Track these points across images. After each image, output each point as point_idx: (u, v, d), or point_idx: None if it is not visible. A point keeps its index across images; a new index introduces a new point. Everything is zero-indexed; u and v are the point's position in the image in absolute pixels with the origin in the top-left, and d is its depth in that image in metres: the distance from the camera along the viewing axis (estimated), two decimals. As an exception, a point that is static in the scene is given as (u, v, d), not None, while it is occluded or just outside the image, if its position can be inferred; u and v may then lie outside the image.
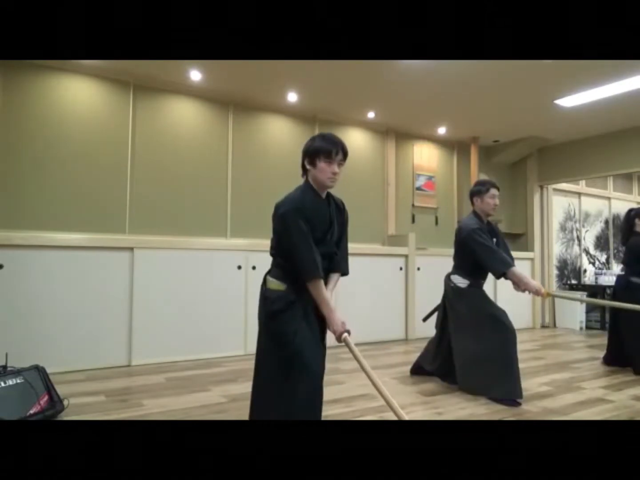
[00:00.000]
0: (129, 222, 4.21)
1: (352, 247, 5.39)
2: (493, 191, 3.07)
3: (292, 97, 4.78)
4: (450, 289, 3.18)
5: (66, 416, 2.43)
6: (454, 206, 6.38)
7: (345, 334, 1.88)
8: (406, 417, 1.67)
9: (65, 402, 2.47)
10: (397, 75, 4.21)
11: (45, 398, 2.38)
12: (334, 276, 2.08)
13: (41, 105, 3.91)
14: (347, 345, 1.89)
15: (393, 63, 3.95)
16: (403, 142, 5.95)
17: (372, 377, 1.74)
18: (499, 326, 2.93)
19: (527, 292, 2.94)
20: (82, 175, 4.04)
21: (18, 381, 2.33)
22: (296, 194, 1.98)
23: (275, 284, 1.98)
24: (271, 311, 1.96)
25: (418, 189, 6.04)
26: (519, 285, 2.92)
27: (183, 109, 4.54)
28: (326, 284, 2.03)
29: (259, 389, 2.03)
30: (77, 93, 4.06)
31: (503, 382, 2.84)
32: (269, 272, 2.05)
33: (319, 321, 2.01)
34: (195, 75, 4.26)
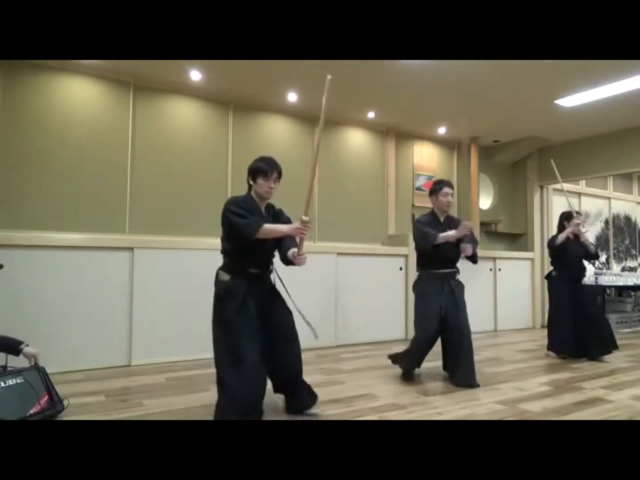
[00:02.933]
0: (129, 222, 4.21)
1: (352, 247, 5.39)
2: (446, 190, 3.31)
3: (292, 97, 4.77)
4: None
5: (66, 416, 2.43)
6: (454, 206, 6.38)
7: (298, 222, 2.28)
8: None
9: (65, 402, 2.47)
10: (397, 75, 4.20)
11: (45, 398, 2.38)
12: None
13: (41, 105, 3.91)
14: (306, 226, 2.28)
15: (393, 63, 3.94)
16: (403, 142, 5.95)
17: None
18: (420, 321, 3.28)
19: (468, 250, 3.21)
20: (82, 175, 4.03)
21: (18, 381, 2.32)
22: (235, 196, 2.50)
23: (222, 275, 2.45)
24: (216, 294, 2.45)
25: (418, 189, 6.04)
26: (463, 249, 3.22)
27: (183, 109, 4.54)
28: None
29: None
30: (77, 93, 4.06)
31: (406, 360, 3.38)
32: (220, 267, 2.50)
33: (260, 307, 2.40)
34: (195, 75, 4.26)
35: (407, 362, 3.37)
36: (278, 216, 2.55)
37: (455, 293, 3.27)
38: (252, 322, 2.33)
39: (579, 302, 4.19)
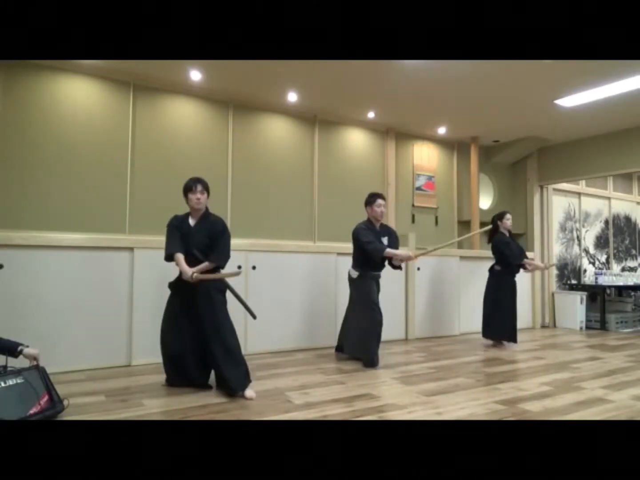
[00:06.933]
0: (129, 222, 4.21)
1: (352, 247, 5.37)
2: (379, 201, 3.81)
3: (292, 97, 4.77)
4: (349, 279, 3.94)
5: (66, 416, 2.43)
6: (454, 206, 6.38)
7: (194, 275, 2.81)
8: None
9: (65, 402, 2.47)
10: (397, 75, 4.20)
11: (45, 398, 2.38)
12: (204, 263, 2.92)
13: (41, 105, 3.91)
14: (201, 279, 2.82)
15: (393, 63, 3.94)
16: (403, 142, 5.95)
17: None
18: (374, 311, 3.74)
19: (403, 263, 3.86)
20: (82, 175, 4.03)
21: (18, 381, 2.32)
22: (176, 215, 3.07)
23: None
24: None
25: (418, 189, 6.04)
26: (395, 260, 3.76)
27: (183, 109, 4.54)
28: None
29: None
30: (77, 93, 4.06)
31: (371, 352, 3.72)
32: None
33: (188, 304, 2.98)
34: (195, 75, 4.26)
35: (374, 355, 3.75)
36: (213, 225, 2.99)
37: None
38: (175, 310, 3.02)
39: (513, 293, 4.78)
